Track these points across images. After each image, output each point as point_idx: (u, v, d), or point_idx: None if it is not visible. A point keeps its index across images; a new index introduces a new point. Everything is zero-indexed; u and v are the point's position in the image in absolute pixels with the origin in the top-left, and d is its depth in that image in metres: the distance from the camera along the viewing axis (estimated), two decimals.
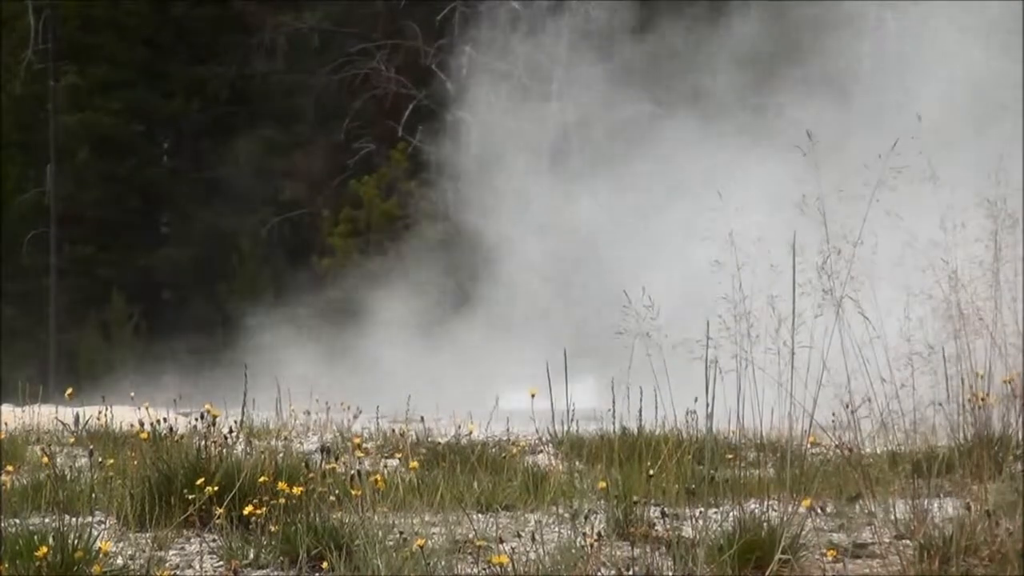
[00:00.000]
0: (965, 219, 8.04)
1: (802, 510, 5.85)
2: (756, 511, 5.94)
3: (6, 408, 12.78)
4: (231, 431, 7.35)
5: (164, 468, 6.91)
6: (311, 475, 6.65)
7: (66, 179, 32.51)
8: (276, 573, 6.03)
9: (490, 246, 28.86)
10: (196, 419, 7.56)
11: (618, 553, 5.92)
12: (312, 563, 5.95)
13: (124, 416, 10.78)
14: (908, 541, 5.89)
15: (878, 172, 7.17)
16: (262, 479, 6.52)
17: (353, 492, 6.32)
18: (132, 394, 12.05)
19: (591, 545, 5.65)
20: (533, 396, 7.08)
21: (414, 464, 7.65)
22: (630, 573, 5.64)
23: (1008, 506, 5.72)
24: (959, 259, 7.90)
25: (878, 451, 7.16)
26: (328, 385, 15.58)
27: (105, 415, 11.11)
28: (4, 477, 7.44)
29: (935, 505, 6.06)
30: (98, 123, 32.32)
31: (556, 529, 6.29)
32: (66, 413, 11.77)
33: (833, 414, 7.07)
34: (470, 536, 6.19)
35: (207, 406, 7.24)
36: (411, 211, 30.86)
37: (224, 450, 6.98)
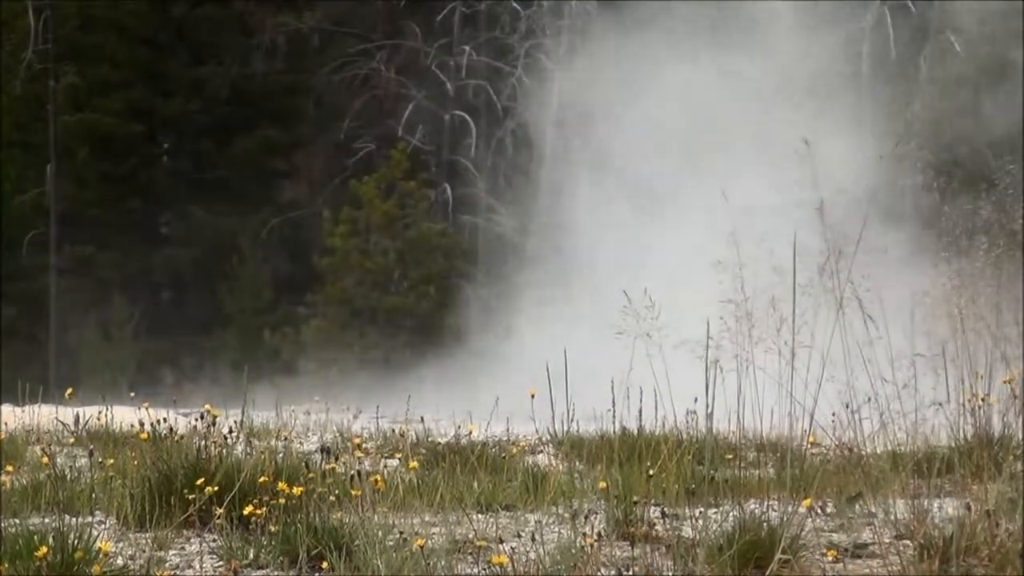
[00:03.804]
0: (966, 218, 8.05)
1: (802, 510, 5.85)
2: (756, 511, 5.94)
3: (6, 408, 12.78)
4: (231, 431, 7.35)
5: (164, 468, 6.91)
6: (311, 475, 6.65)
7: (66, 179, 32.51)
8: (276, 573, 6.03)
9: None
10: (196, 419, 7.56)
11: (618, 553, 5.92)
12: (312, 563, 5.94)
13: (124, 416, 10.79)
14: (908, 541, 5.89)
15: (880, 173, 7.18)
16: (262, 479, 6.51)
17: (353, 492, 6.32)
18: (132, 394, 12.06)
19: (591, 545, 5.64)
20: (533, 396, 7.08)
21: (414, 464, 7.65)
22: (630, 573, 5.64)
23: (1008, 506, 5.72)
24: (961, 259, 7.90)
25: (878, 451, 7.16)
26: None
27: (105, 415, 11.11)
28: (4, 477, 7.43)
29: (935, 505, 6.06)
30: (98, 123, 32.31)
31: (556, 529, 6.28)
32: (66, 413, 11.77)
33: (833, 414, 7.08)
34: (470, 536, 6.18)
35: (207, 406, 7.25)
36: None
37: (224, 450, 6.97)
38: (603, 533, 6.06)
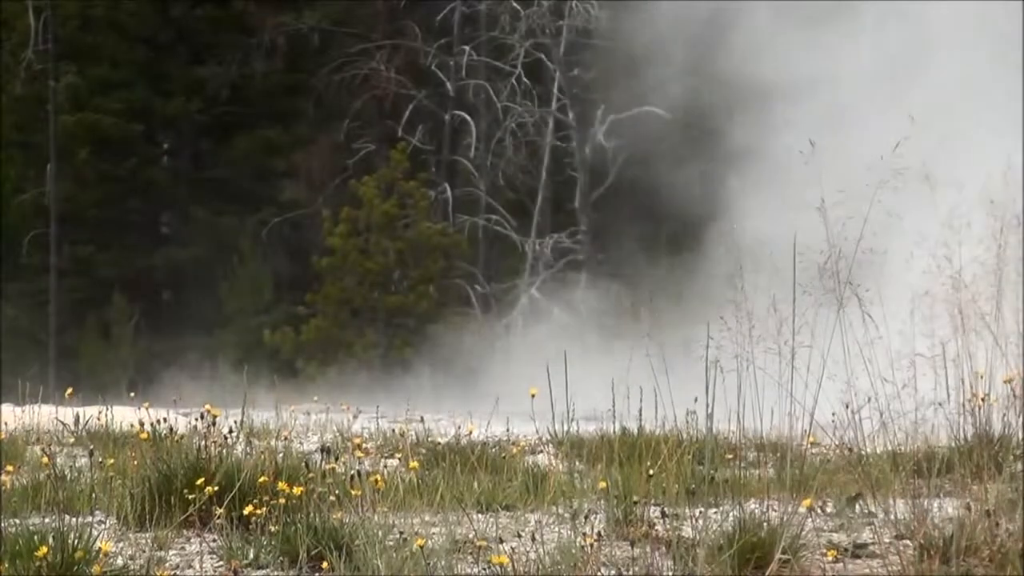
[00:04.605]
0: (969, 219, 8.04)
1: (802, 510, 5.85)
2: (756, 511, 5.94)
3: (6, 408, 12.76)
4: (231, 431, 7.35)
5: (164, 468, 6.91)
6: (311, 475, 6.65)
7: (66, 179, 32.49)
8: (276, 573, 6.03)
9: None
10: (196, 419, 7.56)
11: (618, 553, 5.92)
12: (312, 563, 5.95)
13: (124, 416, 10.78)
14: (908, 541, 5.89)
15: (880, 173, 7.17)
16: (262, 479, 6.51)
17: (353, 492, 6.32)
18: (132, 394, 12.05)
19: (591, 545, 5.64)
20: (533, 396, 7.08)
21: (414, 464, 7.64)
22: (630, 573, 5.64)
23: (1008, 506, 5.72)
24: (962, 259, 7.90)
25: (878, 451, 7.16)
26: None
27: (105, 415, 11.10)
28: (4, 477, 7.43)
29: (935, 505, 6.06)
30: (98, 123, 32.30)
31: (556, 529, 6.28)
32: (66, 413, 11.75)
33: (833, 414, 7.07)
34: (470, 536, 6.18)
35: (207, 406, 7.24)
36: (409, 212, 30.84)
37: (224, 450, 6.97)
38: (603, 533, 6.06)
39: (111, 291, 31.77)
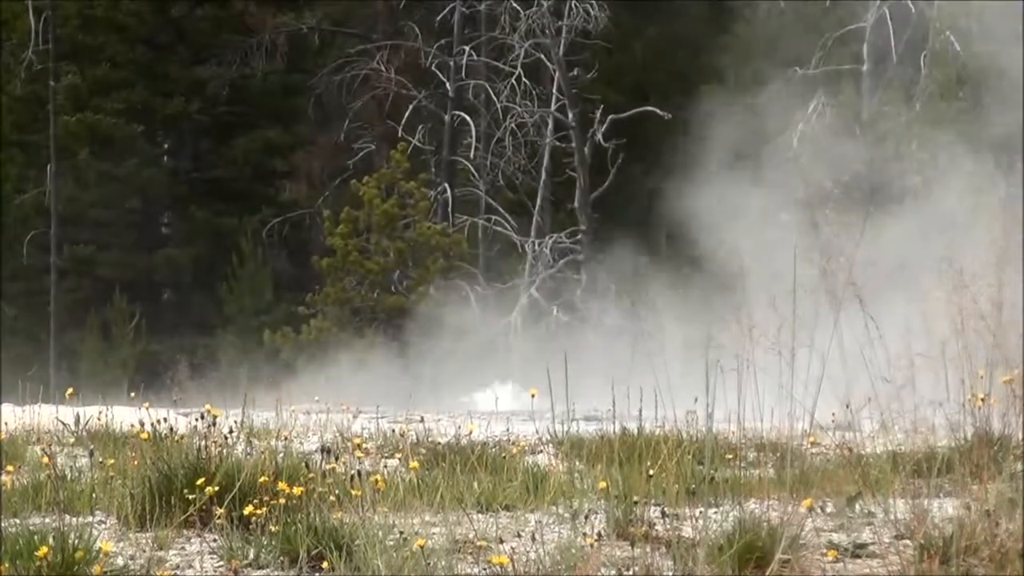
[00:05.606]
0: (969, 219, 8.05)
1: (802, 510, 5.85)
2: (756, 511, 5.94)
3: (6, 408, 12.76)
4: (231, 431, 7.36)
5: (164, 468, 6.91)
6: (311, 475, 6.65)
7: (66, 179, 32.49)
8: (276, 573, 6.03)
9: None
10: (196, 419, 7.56)
11: (618, 553, 5.92)
12: (312, 563, 5.95)
13: (124, 416, 10.78)
14: (908, 541, 5.89)
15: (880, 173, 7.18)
16: (262, 479, 6.52)
17: (353, 492, 6.32)
18: (132, 394, 12.05)
19: (591, 545, 5.64)
20: (533, 396, 7.08)
21: (414, 464, 7.64)
22: (630, 573, 5.64)
23: (1008, 506, 5.72)
24: (962, 259, 7.90)
25: (878, 451, 7.17)
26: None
27: (105, 415, 11.10)
28: (4, 477, 7.43)
29: (935, 505, 6.06)
30: (98, 123, 32.30)
31: (556, 529, 6.29)
32: (66, 413, 11.75)
33: (833, 414, 7.08)
34: (470, 536, 6.18)
35: (207, 406, 7.25)
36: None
37: (224, 450, 6.97)
38: (603, 533, 6.06)
39: (111, 291, 31.76)
